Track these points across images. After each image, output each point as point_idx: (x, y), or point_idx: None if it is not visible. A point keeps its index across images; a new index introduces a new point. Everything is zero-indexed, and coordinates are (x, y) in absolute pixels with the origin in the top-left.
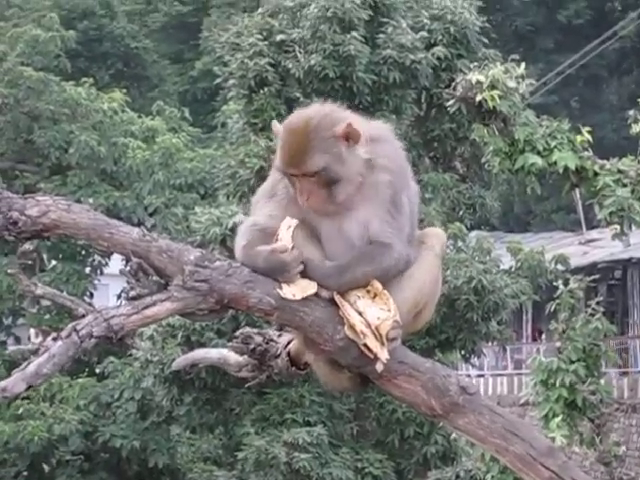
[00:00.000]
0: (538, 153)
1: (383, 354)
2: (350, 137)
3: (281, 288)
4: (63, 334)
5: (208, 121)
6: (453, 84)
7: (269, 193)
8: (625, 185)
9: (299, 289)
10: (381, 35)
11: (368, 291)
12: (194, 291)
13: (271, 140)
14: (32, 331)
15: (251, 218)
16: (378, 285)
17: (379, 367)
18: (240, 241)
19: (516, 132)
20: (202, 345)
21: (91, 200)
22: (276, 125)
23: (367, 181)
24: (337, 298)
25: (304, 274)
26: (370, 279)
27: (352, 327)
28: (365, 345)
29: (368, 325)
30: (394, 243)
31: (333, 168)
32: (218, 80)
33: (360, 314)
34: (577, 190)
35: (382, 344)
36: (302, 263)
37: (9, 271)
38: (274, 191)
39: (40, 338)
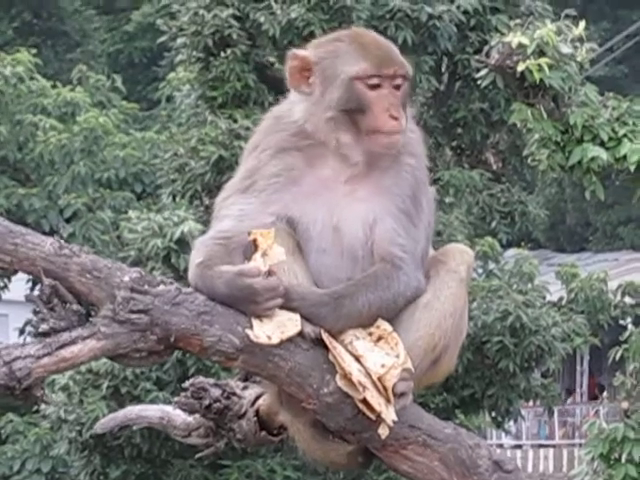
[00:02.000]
0: (601, 144)
1: (389, 414)
2: None
3: (251, 326)
4: None
5: (148, 94)
6: (485, 48)
7: (244, 185)
8: None
9: (276, 327)
10: None
11: (370, 333)
12: (129, 325)
13: (235, 121)
14: None
15: (213, 226)
16: (386, 324)
17: (383, 432)
18: (195, 257)
19: (571, 115)
20: (135, 399)
21: None
22: (299, 52)
23: (385, 162)
24: (326, 337)
25: (284, 304)
26: (375, 312)
27: (347, 377)
28: (364, 401)
29: (368, 375)
30: (407, 263)
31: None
32: (163, 38)
33: (358, 360)
34: None
35: (387, 401)
36: (282, 292)
37: None
38: (252, 180)
39: None
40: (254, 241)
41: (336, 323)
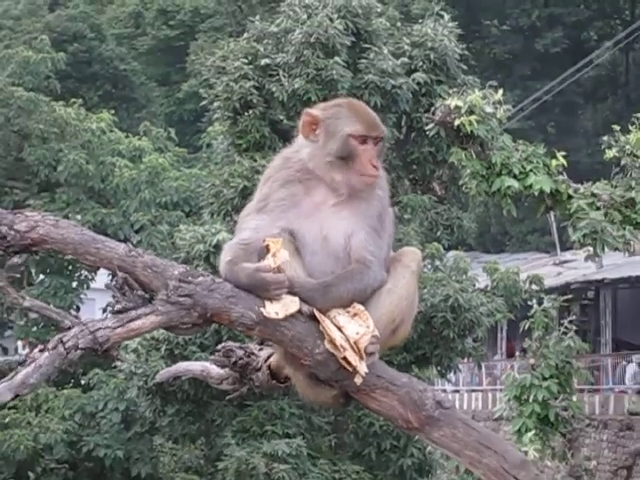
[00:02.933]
0: (514, 176)
1: (362, 368)
2: None
3: (264, 306)
4: (49, 346)
5: (194, 142)
6: (432, 109)
7: (259, 206)
8: (598, 208)
9: (282, 307)
10: (363, 60)
11: (348, 311)
12: (178, 305)
13: (255, 160)
14: (20, 343)
15: (237, 235)
16: (359, 306)
17: (358, 380)
18: (225, 256)
19: (493, 156)
20: (185, 358)
21: (79, 217)
22: (312, 111)
23: (361, 194)
24: (317, 313)
25: (288, 290)
26: (352, 297)
27: (332, 341)
28: (344, 359)
29: (347, 340)
30: (374, 263)
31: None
32: (204, 102)
33: (340, 329)
34: (552, 213)
35: (361, 358)
36: (286, 284)
37: None
38: (265, 202)
39: (27, 350)
40: (267, 246)
41: (324, 304)
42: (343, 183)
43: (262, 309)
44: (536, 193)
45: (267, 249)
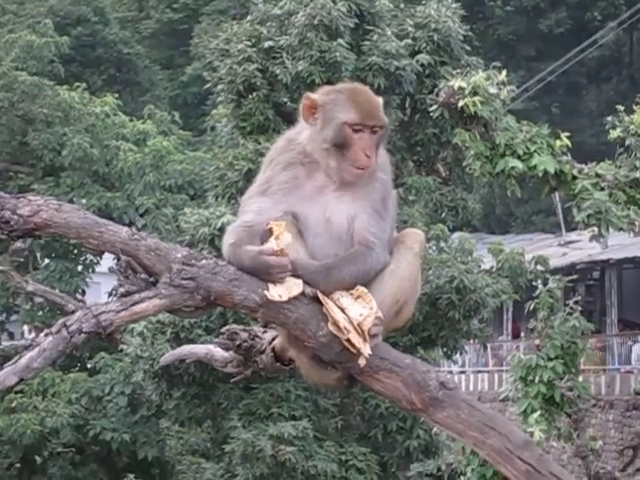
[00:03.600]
0: (518, 157)
1: (365, 349)
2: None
3: (267, 289)
4: (53, 330)
5: (198, 125)
6: (436, 90)
7: (262, 188)
8: (602, 189)
9: (285, 289)
10: (366, 42)
11: (351, 294)
12: (181, 288)
13: (259, 143)
14: (25, 327)
15: (240, 217)
16: (362, 288)
17: (362, 362)
18: (228, 239)
19: (497, 137)
20: (191, 341)
21: (84, 201)
22: (312, 96)
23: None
24: (321, 296)
25: (291, 272)
26: (355, 279)
27: (335, 323)
28: (348, 340)
29: (351, 322)
30: (377, 246)
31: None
32: (208, 85)
33: (343, 311)
34: (556, 193)
35: (364, 340)
36: (289, 268)
37: (1, 268)
38: (268, 185)
39: (33, 334)
40: (270, 229)
41: (327, 286)
42: (335, 171)
43: (265, 292)
44: (540, 174)
45: (270, 232)
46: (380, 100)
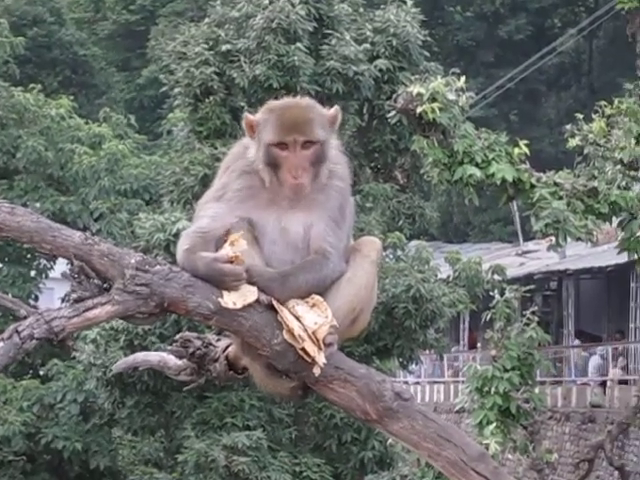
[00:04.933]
0: (476, 165)
1: (320, 358)
2: (334, 123)
3: (221, 296)
4: (5, 335)
5: (154, 128)
6: (394, 96)
7: (218, 194)
8: (561, 198)
9: (239, 297)
10: (325, 47)
11: (307, 302)
12: (135, 294)
13: (215, 148)
14: None
15: (195, 223)
16: (318, 297)
17: (316, 371)
18: (182, 245)
19: (455, 144)
20: (145, 349)
21: (38, 204)
22: (249, 116)
23: (320, 183)
24: (276, 304)
25: (246, 279)
26: (310, 288)
27: (290, 332)
28: (303, 349)
29: (306, 330)
30: (333, 255)
31: (326, 146)
32: (164, 88)
33: (298, 319)
34: (514, 202)
35: (319, 349)
36: (244, 277)
37: None
38: (224, 191)
39: None
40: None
41: (282, 294)
42: (278, 189)
43: (219, 299)
44: (498, 182)
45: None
46: (312, 112)
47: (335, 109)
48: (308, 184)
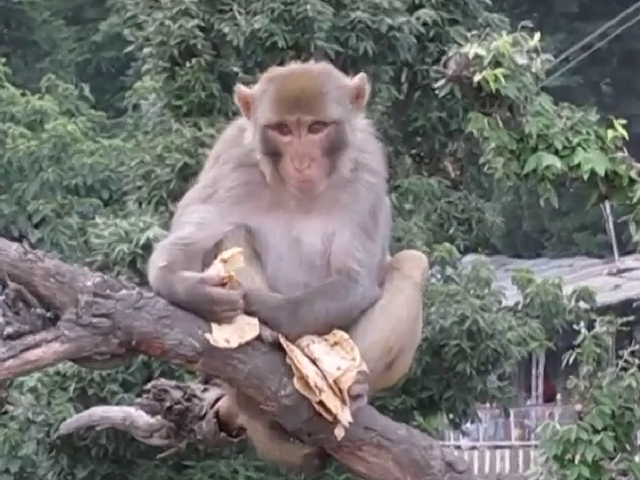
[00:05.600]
0: (556, 152)
1: (344, 416)
2: (360, 96)
3: (210, 330)
4: None
5: (115, 102)
6: (444, 59)
7: (205, 193)
8: None
9: (234, 332)
10: None
11: (326, 339)
12: (91, 329)
13: (199, 129)
14: None
15: (174, 231)
16: (342, 333)
17: (339, 433)
18: (157, 261)
19: (527, 124)
20: (102, 401)
21: None
22: (242, 87)
23: (342, 179)
24: (284, 341)
25: (244, 308)
26: (332, 320)
27: (303, 379)
28: (320, 403)
29: (325, 377)
30: (362, 275)
31: (345, 128)
32: (129, 48)
33: (314, 363)
34: (607, 203)
35: (343, 402)
36: (240, 306)
37: None
38: (214, 189)
39: None
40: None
41: (293, 327)
42: (281, 187)
43: (207, 335)
44: (586, 176)
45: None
46: (326, 84)
47: (361, 78)
48: (320, 180)
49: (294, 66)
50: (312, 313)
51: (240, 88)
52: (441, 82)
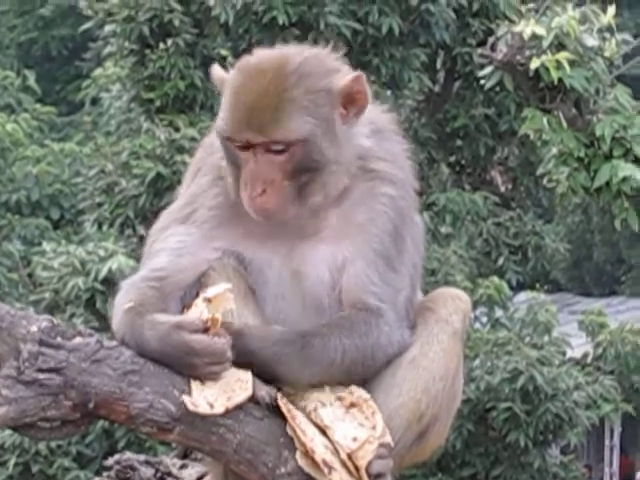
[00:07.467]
0: (635, 160)
1: None
2: (354, 101)
3: (189, 391)
4: None
5: (69, 94)
6: (491, 40)
7: (184, 212)
8: None
9: (221, 392)
10: None
11: (340, 397)
12: (37, 387)
13: (177, 129)
14: None
15: (146, 262)
16: (361, 392)
17: None
18: (123, 301)
19: (598, 124)
20: (50, 479)
21: None
22: (218, 70)
23: (356, 192)
24: (283, 403)
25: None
26: (349, 366)
27: (309, 454)
28: None
29: (336, 451)
30: (386, 311)
31: (319, 143)
32: (87, 25)
33: (323, 432)
34: None
35: None
36: (227, 358)
37: None
38: (193, 208)
39: None
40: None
41: (302, 370)
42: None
43: (185, 396)
44: None
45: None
46: (289, 90)
47: (354, 77)
48: (279, 209)
49: (264, 56)
50: (326, 351)
51: (215, 69)
52: (488, 69)
